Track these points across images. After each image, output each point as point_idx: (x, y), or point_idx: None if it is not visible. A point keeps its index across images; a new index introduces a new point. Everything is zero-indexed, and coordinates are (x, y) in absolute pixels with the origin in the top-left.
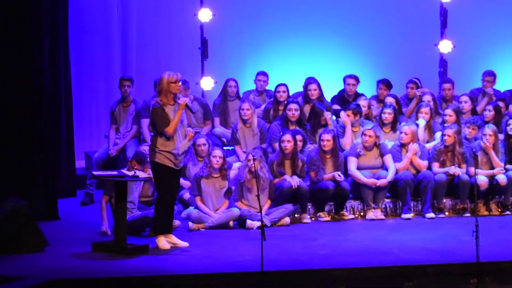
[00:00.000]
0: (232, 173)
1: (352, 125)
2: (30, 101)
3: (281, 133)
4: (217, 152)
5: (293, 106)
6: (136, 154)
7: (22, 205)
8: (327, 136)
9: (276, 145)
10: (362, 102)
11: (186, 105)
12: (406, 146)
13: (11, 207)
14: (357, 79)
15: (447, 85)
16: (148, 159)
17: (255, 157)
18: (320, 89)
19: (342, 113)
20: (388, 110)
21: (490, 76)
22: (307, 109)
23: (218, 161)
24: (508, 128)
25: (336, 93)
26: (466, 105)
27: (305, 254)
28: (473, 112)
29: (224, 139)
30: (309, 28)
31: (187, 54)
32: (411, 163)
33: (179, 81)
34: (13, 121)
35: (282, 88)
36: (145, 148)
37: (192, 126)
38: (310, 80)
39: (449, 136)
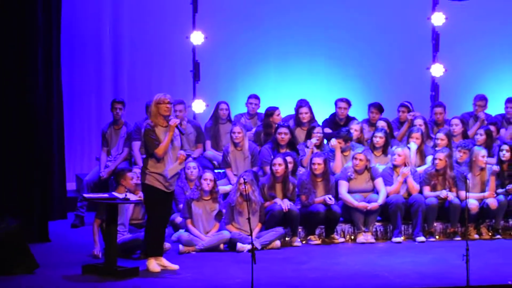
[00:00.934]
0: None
1: (343, 150)
2: (23, 123)
3: (272, 156)
4: (208, 175)
5: (283, 130)
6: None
7: (17, 225)
8: (318, 160)
9: (267, 168)
10: (354, 126)
11: (177, 126)
12: (398, 169)
13: (7, 227)
14: (348, 103)
15: (438, 109)
16: (140, 181)
17: (246, 180)
18: (312, 112)
19: (333, 140)
20: (379, 134)
21: (482, 100)
22: (298, 132)
23: (209, 184)
24: (501, 154)
25: (327, 117)
26: (457, 128)
27: (295, 277)
28: (464, 136)
29: (215, 162)
30: (301, 51)
31: (179, 77)
32: (405, 184)
33: (170, 103)
34: (6, 142)
35: (277, 112)
36: (136, 171)
37: (184, 149)
38: (301, 103)
39: (440, 160)
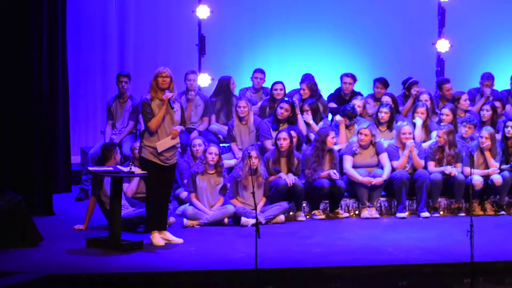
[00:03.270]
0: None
1: (348, 126)
2: (27, 96)
3: (271, 130)
4: (213, 149)
5: (284, 105)
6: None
7: (18, 199)
8: (325, 134)
9: (266, 142)
10: (358, 102)
11: (168, 101)
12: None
13: (8, 201)
14: (354, 78)
15: (447, 85)
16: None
17: (252, 155)
18: (317, 87)
19: (338, 116)
20: (384, 109)
21: (489, 80)
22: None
23: (214, 158)
24: (506, 130)
25: (332, 91)
26: (466, 103)
27: (299, 252)
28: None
29: (221, 136)
30: (306, 27)
31: (185, 51)
32: (410, 160)
33: (168, 76)
34: (10, 115)
35: (278, 86)
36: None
37: (192, 121)
38: (305, 78)
39: (439, 136)
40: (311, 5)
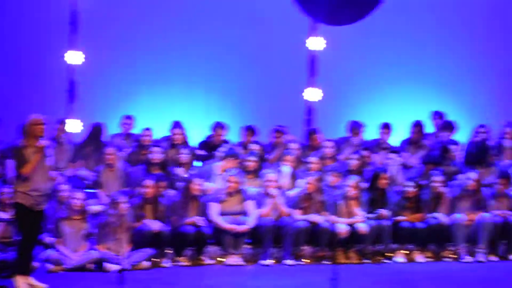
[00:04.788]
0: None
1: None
2: None
3: (143, 178)
4: (78, 194)
5: (155, 149)
6: None
7: None
8: (192, 181)
9: (138, 189)
10: (224, 150)
11: (42, 149)
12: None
13: None
14: (224, 128)
15: (315, 135)
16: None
17: (118, 201)
18: (185, 134)
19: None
20: (251, 158)
21: (357, 128)
22: (171, 153)
23: (79, 203)
24: (379, 180)
25: (203, 139)
26: (330, 152)
27: None
28: (336, 159)
29: (88, 182)
30: (177, 74)
31: (55, 96)
32: (276, 208)
33: (44, 123)
34: None
35: (147, 132)
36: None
37: (59, 166)
38: (175, 125)
39: (309, 183)
40: (181, 53)
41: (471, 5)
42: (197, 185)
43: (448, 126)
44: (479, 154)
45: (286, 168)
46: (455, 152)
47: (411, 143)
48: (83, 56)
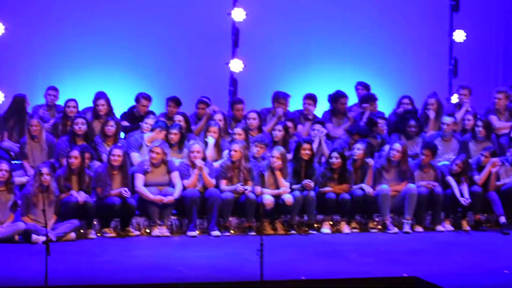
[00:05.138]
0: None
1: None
2: None
3: (69, 149)
4: (3, 166)
5: (80, 120)
6: None
7: None
8: (118, 151)
9: (64, 160)
10: (149, 121)
11: None
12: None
13: None
14: (149, 99)
15: (238, 105)
16: None
17: (43, 171)
18: (109, 105)
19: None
20: (174, 130)
21: (281, 99)
22: (96, 124)
23: (4, 175)
24: (302, 151)
25: (126, 110)
26: (255, 122)
27: (89, 269)
28: (260, 130)
29: (12, 153)
30: (102, 44)
31: None
32: (201, 178)
33: None
34: None
35: (71, 103)
36: None
37: None
38: (99, 95)
39: (235, 151)
40: (105, 24)
41: None
42: (122, 156)
43: (371, 98)
44: (402, 123)
45: (211, 139)
46: (382, 126)
47: (334, 114)
48: (3, 27)
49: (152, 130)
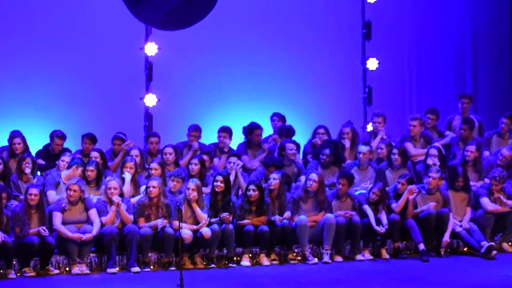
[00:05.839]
0: None
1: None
2: None
3: None
4: None
5: None
6: None
7: None
8: (34, 191)
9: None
10: (66, 158)
11: None
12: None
13: None
14: (63, 137)
15: (153, 139)
16: None
17: None
18: (25, 143)
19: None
20: (90, 167)
21: (196, 131)
22: (12, 163)
23: None
24: (215, 183)
25: (41, 148)
26: (171, 157)
27: None
28: (177, 164)
29: None
30: (13, 78)
31: None
32: (119, 215)
33: None
34: None
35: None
36: None
37: None
38: (14, 134)
39: (154, 187)
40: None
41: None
42: (39, 195)
43: (287, 131)
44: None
45: (128, 175)
46: (293, 151)
47: (250, 146)
48: None
49: (68, 167)
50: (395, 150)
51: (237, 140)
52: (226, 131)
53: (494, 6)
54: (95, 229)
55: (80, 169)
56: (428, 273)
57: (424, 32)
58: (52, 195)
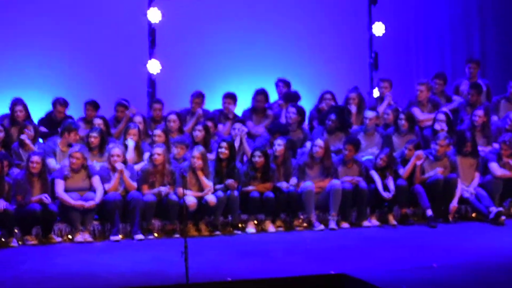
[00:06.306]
0: None
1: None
2: None
3: None
4: None
5: None
6: None
7: None
8: (36, 158)
9: None
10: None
11: None
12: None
13: None
14: (65, 104)
15: (157, 106)
16: None
17: None
18: (27, 110)
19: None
20: (93, 134)
21: (199, 97)
22: (13, 131)
23: None
24: (219, 150)
25: (43, 115)
26: (174, 124)
27: (12, 278)
28: (181, 131)
29: None
30: (16, 46)
31: None
32: (123, 182)
33: None
34: None
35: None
36: None
37: None
38: (16, 101)
39: (158, 154)
40: (18, 26)
41: None
42: (41, 163)
43: (293, 96)
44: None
45: (131, 142)
46: (294, 115)
47: (255, 112)
48: None
49: (61, 135)
50: (402, 116)
51: (241, 106)
52: (230, 97)
53: None
54: (98, 197)
55: (72, 134)
56: (435, 239)
57: None
58: (52, 163)
